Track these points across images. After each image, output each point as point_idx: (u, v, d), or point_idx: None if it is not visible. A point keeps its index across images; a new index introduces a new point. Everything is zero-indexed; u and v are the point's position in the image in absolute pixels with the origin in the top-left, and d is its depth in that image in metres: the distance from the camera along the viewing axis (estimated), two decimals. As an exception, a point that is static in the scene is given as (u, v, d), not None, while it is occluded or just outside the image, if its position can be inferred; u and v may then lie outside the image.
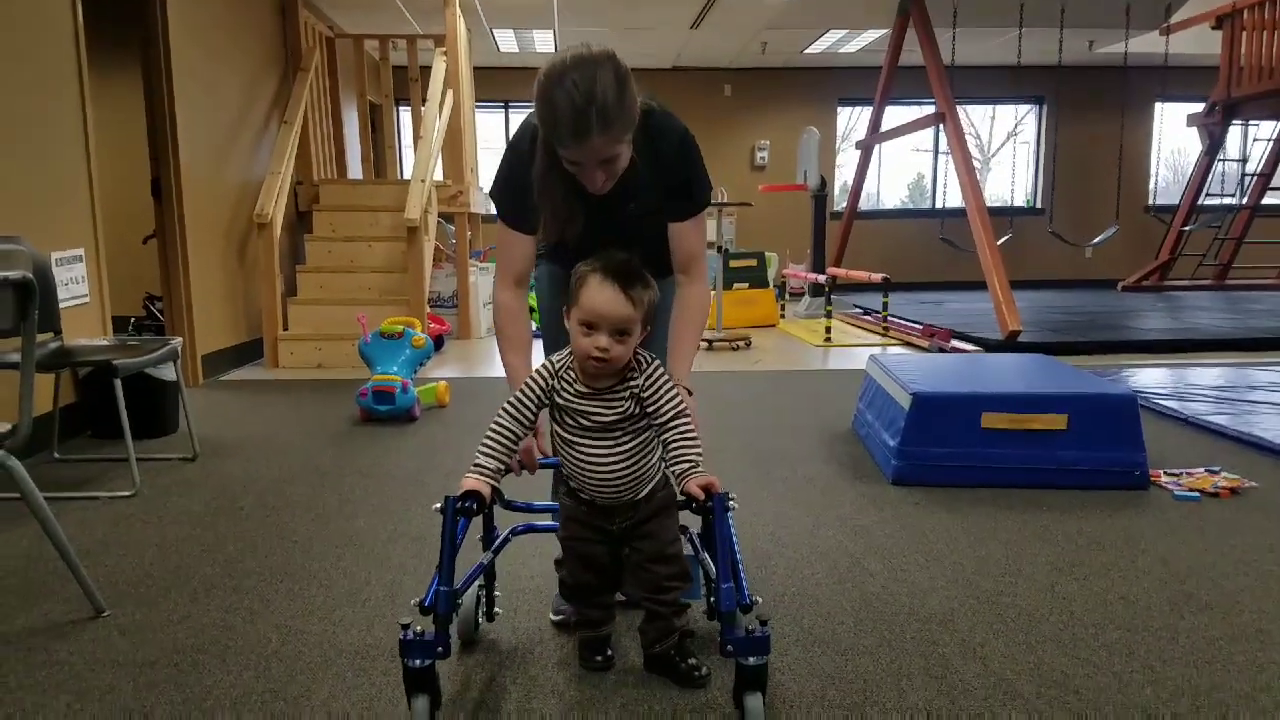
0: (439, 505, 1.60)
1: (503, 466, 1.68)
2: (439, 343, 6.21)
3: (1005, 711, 1.67)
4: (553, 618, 2.05)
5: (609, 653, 1.84)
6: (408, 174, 7.20)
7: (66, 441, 3.74)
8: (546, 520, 2.07)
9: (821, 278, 7.87)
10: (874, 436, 3.50)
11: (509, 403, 1.71)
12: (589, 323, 1.61)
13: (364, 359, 4.41)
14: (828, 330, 7.04)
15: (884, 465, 3.28)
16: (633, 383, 1.67)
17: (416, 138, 6.74)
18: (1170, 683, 1.78)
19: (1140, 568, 2.37)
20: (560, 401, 1.70)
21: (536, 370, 1.73)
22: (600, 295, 1.60)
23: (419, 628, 1.50)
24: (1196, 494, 2.97)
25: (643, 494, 1.74)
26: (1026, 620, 2.06)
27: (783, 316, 8.37)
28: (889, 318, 7.49)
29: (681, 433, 1.66)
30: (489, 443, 1.67)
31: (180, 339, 3.65)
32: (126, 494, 3.06)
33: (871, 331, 7.48)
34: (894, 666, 1.85)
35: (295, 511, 2.87)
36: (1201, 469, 3.24)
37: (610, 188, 1.75)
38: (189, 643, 1.96)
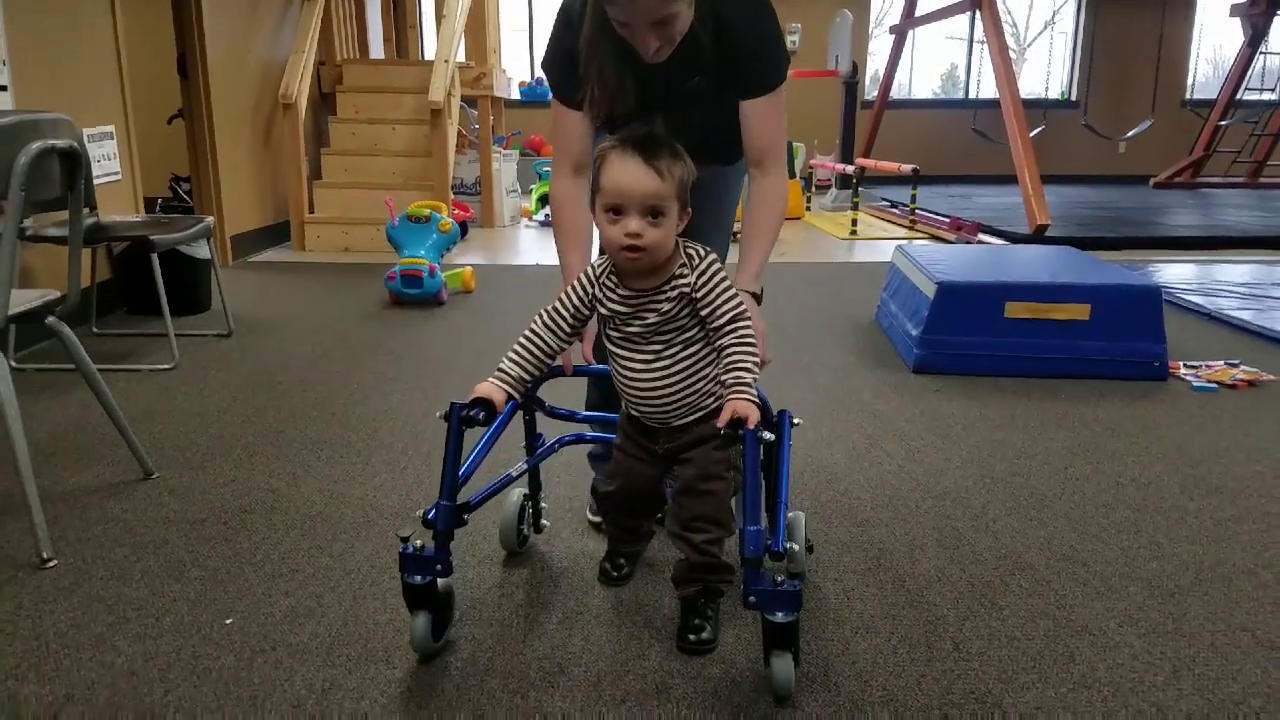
0: (442, 412, 1.46)
1: (527, 377, 1.50)
2: (463, 229, 6.21)
3: (1014, 579, 1.75)
4: (590, 518, 1.98)
5: (624, 568, 1.73)
6: (430, 54, 7.05)
7: (103, 317, 3.83)
8: (597, 431, 1.93)
9: (849, 169, 7.74)
10: (897, 327, 3.53)
11: (544, 311, 1.53)
12: (615, 206, 1.40)
13: (391, 242, 4.44)
14: (854, 223, 6.97)
15: (906, 354, 3.31)
16: (682, 280, 1.44)
17: (439, 16, 6.58)
18: (1176, 558, 1.85)
19: (1154, 453, 2.43)
20: (604, 311, 1.50)
21: (577, 278, 1.54)
22: (622, 170, 1.39)
23: (419, 542, 1.40)
24: (1215, 386, 3.00)
25: (691, 419, 1.52)
26: (1039, 499, 2.13)
27: (808, 209, 8.28)
28: (916, 211, 7.39)
29: (738, 338, 1.43)
30: (516, 351, 1.51)
31: (211, 218, 3.69)
32: (166, 367, 3.15)
33: (898, 225, 7.39)
34: (907, 537, 1.93)
35: (331, 387, 2.96)
36: (1221, 362, 3.25)
37: (666, 56, 1.55)
38: (236, 504, 2.07)
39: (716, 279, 1.44)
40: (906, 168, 7.17)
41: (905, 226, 7.26)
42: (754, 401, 1.38)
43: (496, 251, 6.01)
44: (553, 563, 1.83)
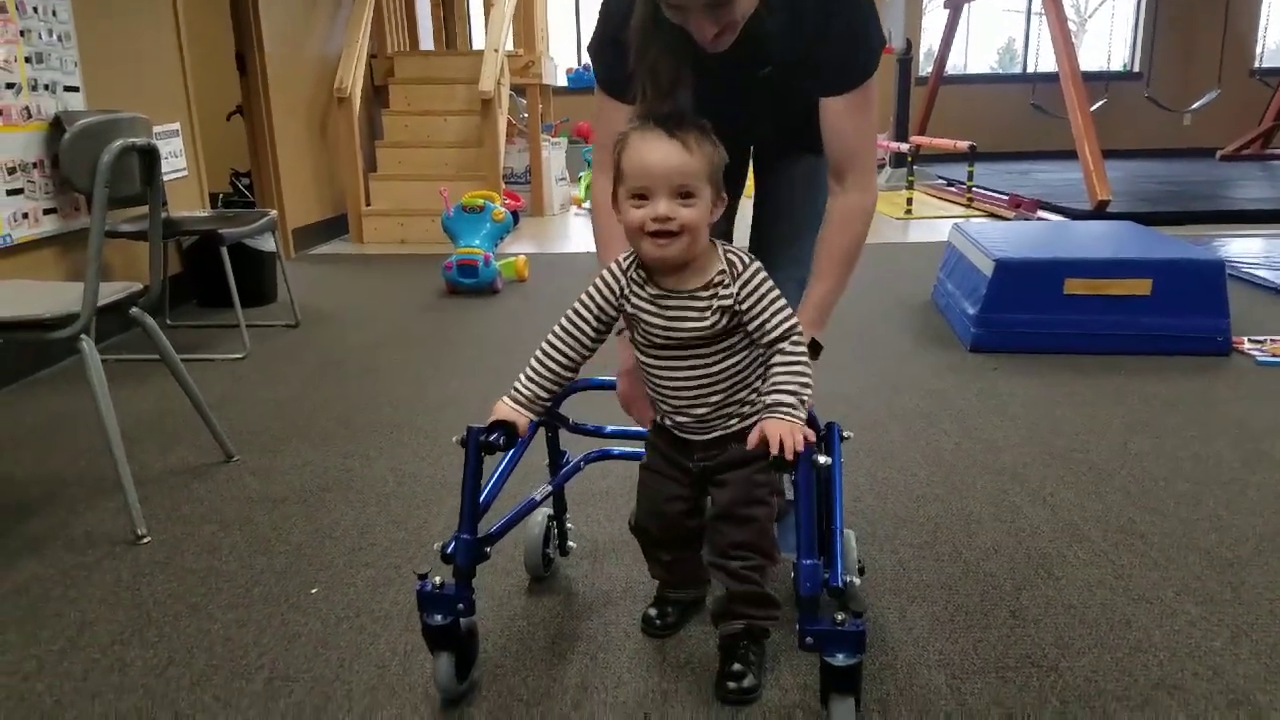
0: (459, 438, 1.33)
1: (545, 394, 1.34)
2: (515, 219, 6.30)
3: (1071, 551, 1.77)
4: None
5: (670, 617, 1.52)
6: (478, 44, 7.14)
7: (176, 309, 3.99)
8: (625, 446, 1.77)
9: (904, 147, 7.66)
10: (954, 306, 3.52)
11: (564, 317, 1.35)
12: (640, 191, 1.23)
13: (447, 233, 4.54)
14: (909, 202, 6.91)
15: (963, 334, 3.30)
16: (723, 290, 1.26)
17: (488, 4, 6.66)
18: (1235, 530, 1.84)
19: (1215, 428, 2.40)
20: (630, 309, 1.32)
21: (600, 274, 1.35)
22: (645, 148, 1.23)
23: (438, 579, 1.29)
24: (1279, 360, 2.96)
25: (734, 429, 1.35)
26: (1097, 474, 2.13)
27: (860, 189, 8.20)
28: (974, 188, 7.29)
29: (789, 358, 1.25)
30: (533, 366, 1.34)
31: (274, 211, 3.81)
32: (238, 356, 3.29)
33: (955, 203, 7.31)
34: (964, 512, 1.95)
35: (395, 375, 3.06)
36: (1289, 336, 3.19)
37: (728, 44, 1.35)
38: (314, 483, 2.17)
39: (764, 289, 1.27)
40: (963, 144, 7.08)
41: (962, 204, 7.18)
42: (794, 421, 1.21)
43: (547, 240, 6.09)
44: (579, 589, 1.67)
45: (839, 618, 1.17)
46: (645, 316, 1.31)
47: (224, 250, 3.37)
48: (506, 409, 1.32)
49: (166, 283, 3.82)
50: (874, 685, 1.36)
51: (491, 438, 1.30)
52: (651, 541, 1.49)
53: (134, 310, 2.12)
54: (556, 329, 1.35)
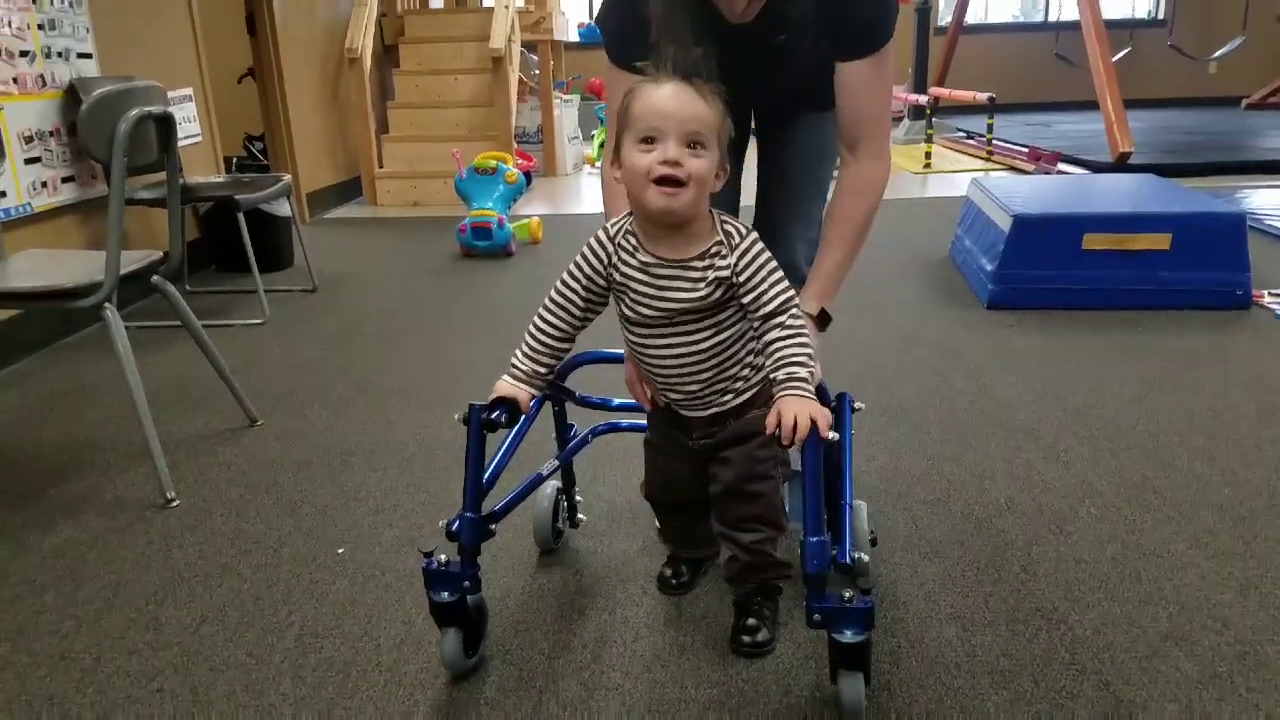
0: (461, 415, 1.30)
1: (543, 369, 1.33)
2: (527, 179, 6.29)
3: (1084, 506, 1.79)
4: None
5: (684, 576, 1.55)
6: (488, 1, 7.06)
7: (194, 275, 4.02)
8: (632, 419, 1.72)
9: (923, 99, 7.55)
10: (971, 262, 3.50)
11: (553, 289, 1.34)
12: (650, 134, 1.18)
13: (460, 195, 4.54)
14: (928, 155, 6.84)
15: (979, 290, 3.29)
16: (719, 261, 1.23)
17: (498, -38, 6.57)
18: (1249, 485, 1.86)
19: (1232, 382, 2.40)
20: (619, 278, 1.29)
21: (588, 243, 1.32)
22: (659, 91, 1.19)
23: (444, 556, 1.30)
24: (1301, 313, 2.94)
25: (730, 405, 1.34)
26: (1112, 430, 2.14)
27: (876, 143, 8.11)
28: (993, 141, 7.20)
29: (789, 331, 1.21)
30: (529, 340, 1.33)
31: (288, 175, 3.82)
32: (258, 322, 3.32)
33: (974, 156, 7.22)
34: (978, 469, 1.97)
35: (412, 339, 3.09)
36: (1310, 289, 3.17)
37: (755, 13, 1.33)
38: (337, 447, 2.21)
39: (761, 260, 1.23)
40: (982, 96, 6.97)
41: (982, 158, 7.10)
42: (810, 397, 1.18)
43: (561, 201, 6.07)
44: (589, 561, 1.67)
45: (847, 595, 1.16)
46: (635, 285, 1.27)
47: (241, 217, 3.39)
48: (507, 386, 1.31)
49: (184, 249, 3.85)
50: (885, 638, 1.39)
51: (494, 416, 1.28)
52: (664, 508, 1.53)
53: (156, 279, 2.16)
54: (547, 301, 1.33)
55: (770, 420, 1.18)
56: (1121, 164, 6.01)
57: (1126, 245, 3.04)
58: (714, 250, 1.24)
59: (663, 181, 1.17)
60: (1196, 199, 3.34)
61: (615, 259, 1.29)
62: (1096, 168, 6.10)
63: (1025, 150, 6.82)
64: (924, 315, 3.13)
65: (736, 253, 1.23)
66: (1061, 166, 6.27)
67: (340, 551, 1.72)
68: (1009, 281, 3.13)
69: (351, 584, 1.61)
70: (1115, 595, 1.49)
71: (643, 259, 1.26)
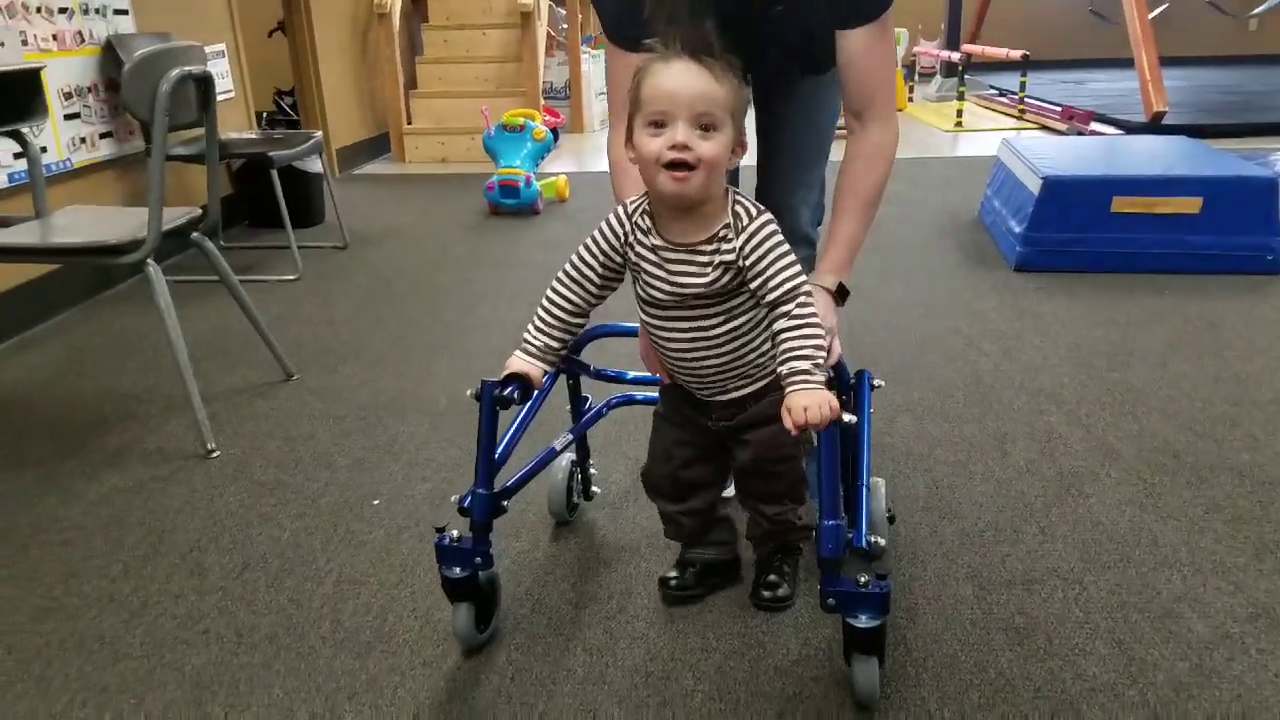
0: (473, 391, 1.30)
1: (556, 344, 1.30)
2: (554, 136, 6.27)
3: (1104, 470, 1.81)
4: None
5: (687, 579, 1.45)
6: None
7: (228, 230, 4.08)
8: (647, 392, 1.72)
9: (955, 56, 7.42)
10: (1000, 224, 3.48)
11: (568, 263, 1.31)
12: (658, 117, 1.15)
13: (488, 152, 4.55)
14: (959, 114, 6.74)
15: (1008, 252, 3.28)
16: (725, 245, 1.20)
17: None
18: (1271, 449, 1.87)
19: (1258, 348, 2.40)
20: (633, 258, 1.28)
21: (606, 219, 1.30)
22: (668, 73, 1.15)
23: (455, 532, 1.30)
24: (1334, 279, 2.91)
25: (748, 390, 1.32)
26: (1135, 395, 2.15)
27: (911, 100, 8.00)
28: (1026, 99, 7.07)
29: (796, 321, 1.18)
30: (542, 315, 1.31)
31: (320, 132, 3.85)
32: (292, 278, 3.38)
33: (1006, 114, 7.11)
34: (999, 432, 1.99)
35: (442, 296, 3.13)
36: (1345, 255, 3.12)
37: None
38: (371, 401, 2.27)
39: (770, 243, 1.19)
40: (1015, 53, 6.83)
41: (1014, 116, 6.98)
42: (818, 386, 1.15)
43: (588, 159, 6.06)
44: (608, 528, 1.68)
45: (862, 579, 1.15)
46: (647, 267, 1.25)
47: (274, 173, 3.43)
48: (520, 362, 1.29)
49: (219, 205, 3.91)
50: (903, 595, 1.43)
51: (506, 391, 1.26)
52: (654, 489, 1.45)
53: (195, 235, 2.21)
54: (561, 275, 1.30)
55: (784, 417, 1.15)
56: (1156, 123, 5.89)
57: (1156, 209, 3.02)
58: (722, 234, 1.21)
59: (672, 166, 1.14)
60: (1228, 162, 3.29)
61: (632, 238, 1.27)
62: (1130, 127, 5.99)
63: (1058, 109, 6.70)
64: (951, 277, 3.13)
65: (744, 235, 1.20)
66: (1095, 126, 6.15)
67: (376, 503, 1.78)
68: (1037, 244, 3.12)
69: (387, 534, 1.67)
70: (1131, 558, 1.52)
71: (653, 242, 1.25)
